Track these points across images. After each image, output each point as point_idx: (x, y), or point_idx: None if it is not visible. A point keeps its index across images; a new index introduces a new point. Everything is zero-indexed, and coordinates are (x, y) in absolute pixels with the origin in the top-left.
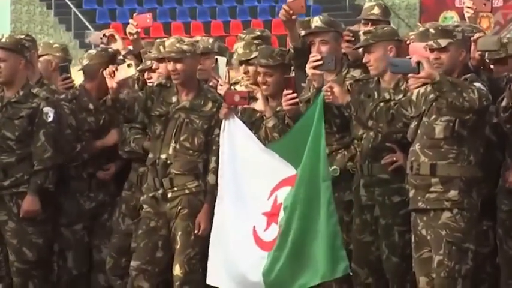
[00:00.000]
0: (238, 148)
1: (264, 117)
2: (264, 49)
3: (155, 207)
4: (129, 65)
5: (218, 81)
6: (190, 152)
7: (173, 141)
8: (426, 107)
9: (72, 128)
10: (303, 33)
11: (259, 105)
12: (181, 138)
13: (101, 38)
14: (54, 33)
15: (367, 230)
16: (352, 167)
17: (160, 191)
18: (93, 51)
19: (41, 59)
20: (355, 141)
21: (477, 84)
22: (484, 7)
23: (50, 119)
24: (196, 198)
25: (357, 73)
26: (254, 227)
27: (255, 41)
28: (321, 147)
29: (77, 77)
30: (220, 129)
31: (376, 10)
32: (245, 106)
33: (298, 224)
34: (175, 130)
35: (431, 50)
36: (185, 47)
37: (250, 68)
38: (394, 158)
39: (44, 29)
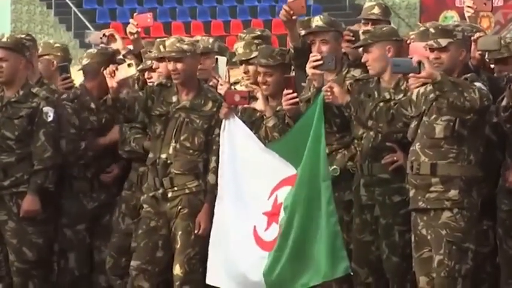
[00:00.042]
0: (239, 148)
1: (264, 117)
2: (264, 49)
3: (155, 206)
4: (129, 65)
5: (218, 81)
6: (191, 151)
7: (173, 141)
8: (426, 107)
9: (76, 127)
10: (303, 32)
11: (259, 104)
12: (182, 138)
13: (100, 38)
14: (55, 33)
15: (367, 229)
16: (352, 167)
17: (161, 191)
18: (93, 51)
19: (42, 58)
20: (355, 141)
21: (477, 84)
22: (484, 6)
23: (49, 119)
24: (196, 197)
25: (357, 73)
26: (255, 226)
27: (255, 41)
28: (321, 147)
29: (77, 76)
30: (220, 128)
31: (376, 10)
32: (245, 106)
33: (299, 223)
34: (175, 130)
35: (431, 49)
36: (185, 47)
37: (250, 68)
38: (395, 158)
39: (44, 28)
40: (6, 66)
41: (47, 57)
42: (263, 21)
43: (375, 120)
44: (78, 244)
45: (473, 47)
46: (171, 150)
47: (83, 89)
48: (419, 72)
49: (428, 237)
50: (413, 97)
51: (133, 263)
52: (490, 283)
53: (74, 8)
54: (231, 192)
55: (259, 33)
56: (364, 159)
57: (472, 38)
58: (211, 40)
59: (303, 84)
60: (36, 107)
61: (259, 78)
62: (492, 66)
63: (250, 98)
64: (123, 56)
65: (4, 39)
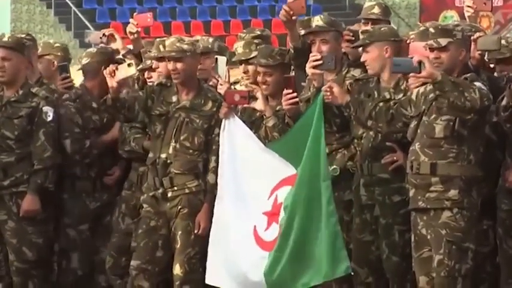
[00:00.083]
0: (238, 147)
1: (264, 117)
2: (263, 49)
3: (155, 206)
4: (129, 65)
5: (218, 81)
6: (190, 151)
7: (173, 141)
8: (426, 107)
9: (80, 127)
10: (303, 32)
11: (259, 104)
12: (181, 138)
13: (100, 38)
14: (54, 33)
15: (367, 229)
16: (352, 167)
17: (160, 191)
18: (92, 50)
19: (42, 59)
20: (355, 141)
21: (478, 84)
22: (484, 6)
23: (49, 118)
24: (196, 197)
25: (357, 72)
26: (255, 226)
27: (255, 41)
28: (321, 146)
29: (77, 76)
30: (220, 128)
31: (376, 9)
32: (245, 105)
33: (299, 223)
34: (175, 129)
35: (431, 49)
36: (185, 47)
37: (250, 68)
38: (394, 158)
39: (44, 28)
40: (9, 66)
41: (47, 57)
42: (263, 21)
43: (375, 120)
44: (82, 244)
45: (473, 46)
46: (171, 150)
47: (83, 88)
48: (420, 72)
49: (428, 236)
50: (413, 97)
51: (133, 262)
52: (490, 283)
53: (73, 8)
54: (231, 192)
55: (259, 33)
56: (364, 159)
57: (472, 37)
58: (211, 40)
59: (303, 84)
60: (36, 106)
61: (259, 78)
62: (492, 66)
63: (250, 98)
64: (123, 55)
65: (6, 39)
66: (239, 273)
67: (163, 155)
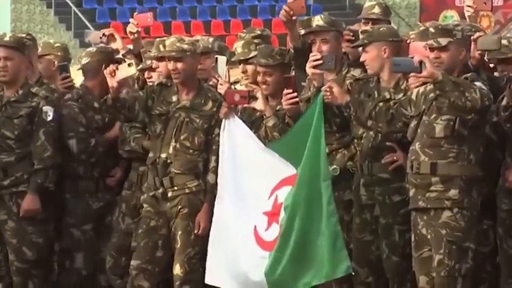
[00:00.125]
0: (238, 147)
1: (264, 117)
2: (263, 49)
3: (155, 206)
4: (129, 64)
5: (218, 81)
6: (191, 151)
7: (173, 141)
8: (426, 106)
9: (84, 126)
10: (303, 32)
11: (259, 104)
12: (182, 138)
13: (100, 38)
14: (54, 33)
15: (367, 229)
16: (352, 167)
17: (161, 190)
18: (92, 49)
19: (42, 59)
20: (355, 141)
21: (478, 84)
22: (484, 6)
23: (49, 118)
24: (196, 197)
25: (357, 72)
26: (255, 226)
27: (255, 40)
28: (321, 146)
29: (77, 76)
30: (220, 128)
31: (376, 9)
32: (245, 105)
33: (299, 223)
34: (175, 129)
35: (431, 49)
36: (185, 46)
37: (249, 67)
38: (394, 157)
39: (44, 28)
40: (11, 66)
41: (47, 57)
42: (263, 20)
43: (375, 120)
44: (86, 244)
45: (473, 46)
46: (171, 150)
47: (84, 88)
48: (421, 72)
49: (428, 236)
50: (413, 97)
51: (133, 262)
52: (490, 282)
53: (73, 8)
54: (231, 192)
55: (259, 32)
56: (364, 159)
57: (472, 37)
58: (211, 40)
59: (303, 84)
60: (36, 106)
61: (259, 78)
62: (492, 66)
63: (250, 98)
64: (123, 55)
65: (7, 38)
66: (239, 273)
67: (163, 155)
